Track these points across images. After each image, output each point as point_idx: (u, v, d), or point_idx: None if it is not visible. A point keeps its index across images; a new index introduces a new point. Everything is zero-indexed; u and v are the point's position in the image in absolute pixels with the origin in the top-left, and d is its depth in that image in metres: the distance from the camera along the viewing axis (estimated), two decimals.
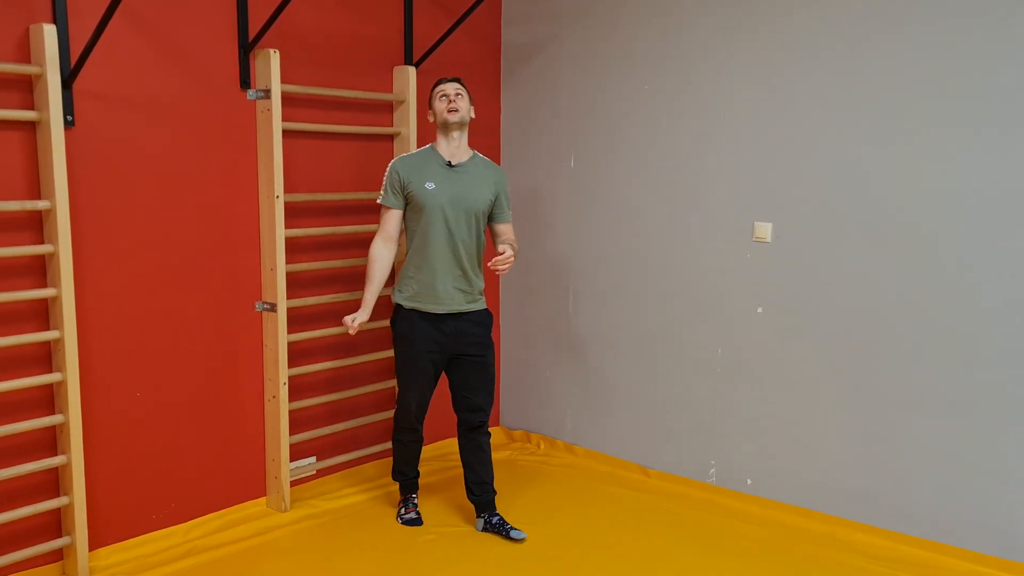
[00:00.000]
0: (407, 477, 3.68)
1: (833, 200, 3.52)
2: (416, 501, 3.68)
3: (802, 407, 3.68)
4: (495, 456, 4.37)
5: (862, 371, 3.51)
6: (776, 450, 3.77)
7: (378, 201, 3.45)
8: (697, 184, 3.91)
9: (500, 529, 3.50)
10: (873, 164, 3.42)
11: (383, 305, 4.00)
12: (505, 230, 3.53)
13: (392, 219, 3.42)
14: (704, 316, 3.94)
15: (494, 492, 3.59)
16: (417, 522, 3.58)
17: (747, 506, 3.80)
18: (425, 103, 4.00)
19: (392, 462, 3.73)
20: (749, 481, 3.87)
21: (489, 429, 3.60)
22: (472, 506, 3.65)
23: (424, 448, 4.14)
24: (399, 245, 3.52)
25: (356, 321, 3.40)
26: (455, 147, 3.42)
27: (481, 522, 3.57)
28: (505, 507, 3.75)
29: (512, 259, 3.30)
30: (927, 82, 3.27)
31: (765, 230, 3.70)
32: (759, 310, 3.76)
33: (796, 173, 3.61)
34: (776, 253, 3.69)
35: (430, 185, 3.35)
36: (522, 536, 3.46)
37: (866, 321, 3.48)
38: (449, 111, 3.37)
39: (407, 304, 3.42)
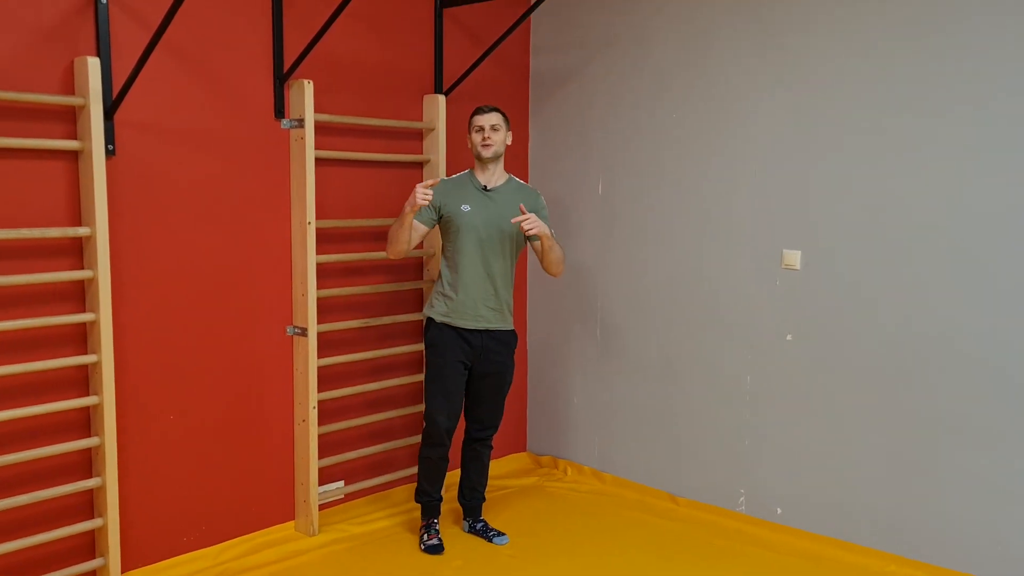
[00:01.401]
0: (431, 498, 3.69)
1: (862, 228, 3.51)
2: (438, 527, 3.68)
3: (833, 435, 3.65)
4: (521, 482, 4.41)
5: (894, 399, 3.48)
6: (807, 479, 3.74)
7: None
8: (726, 211, 3.91)
9: (484, 534, 3.73)
10: (903, 192, 3.41)
11: (415, 326, 4.05)
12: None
13: (416, 230, 3.51)
14: (733, 343, 3.93)
15: (483, 499, 3.83)
16: (439, 549, 3.58)
17: (777, 535, 3.76)
18: (455, 131, 4.08)
19: (416, 482, 3.75)
20: (779, 510, 3.83)
21: (492, 442, 3.78)
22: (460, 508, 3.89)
23: (448, 473, 4.17)
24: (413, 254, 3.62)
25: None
26: (491, 174, 3.55)
27: (467, 524, 3.81)
28: (532, 534, 3.75)
29: (534, 219, 3.33)
30: (958, 107, 3.26)
31: (794, 258, 3.70)
32: (788, 337, 3.75)
33: (825, 201, 3.61)
34: (805, 281, 3.68)
35: (466, 207, 3.48)
36: (505, 541, 3.66)
37: (898, 349, 3.45)
38: (483, 145, 3.49)
39: (439, 319, 3.53)
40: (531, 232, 3.36)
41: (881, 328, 3.49)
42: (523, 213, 3.36)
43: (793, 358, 3.74)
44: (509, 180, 3.60)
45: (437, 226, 3.58)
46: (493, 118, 3.51)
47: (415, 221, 3.49)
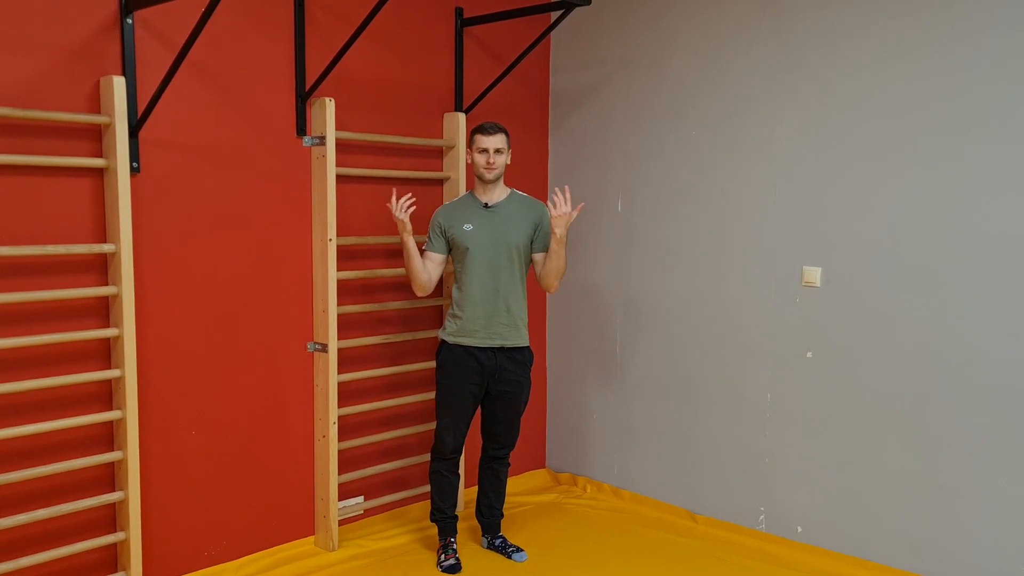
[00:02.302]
0: (445, 516, 3.68)
1: (883, 244, 3.50)
2: (455, 547, 3.66)
3: (854, 453, 3.62)
4: (540, 499, 4.40)
5: (916, 417, 3.45)
6: (828, 497, 3.71)
7: (423, 248, 3.57)
8: (746, 228, 3.91)
9: (503, 550, 3.73)
10: (924, 208, 3.39)
11: (434, 343, 4.06)
12: None
13: (431, 261, 3.55)
14: (753, 361, 3.91)
15: (501, 515, 3.82)
16: (456, 569, 3.56)
17: (798, 554, 3.73)
18: None
19: (430, 501, 3.74)
20: (800, 529, 3.80)
21: (509, 459, 3.78)
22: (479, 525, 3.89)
23: (465, 490, 4.18)
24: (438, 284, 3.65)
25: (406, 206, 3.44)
26: (491, 192, 3.55)
27: (486, 541, 3.81)
28: (550, 551, 3.74)
29: (567, 209, 3.37)
30: (980, 124, 3.25)
31: (814, 275, 3.68)
32: (809, 355, 3.73)
33: (845, 218, 3.60)
34: (826, 298, 3.67)
35: (468, 226, 3.48)
36: (524, 558, 3.67)
37: (919, 366, 3.43)
38: (487, 168, 3.48)
39: (451, 339, 3.53)
40: (556, 217, 3.36)
41: (902, 345, 3.47)
42: (565, 203, 3.37)
43: (813, 375, 3.72)
44: (511, 194, 3.59)
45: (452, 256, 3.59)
46: (498, 141, 3.46)
47: (429, 252, 3.54)
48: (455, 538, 3.69)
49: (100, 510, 3.11)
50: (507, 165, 3.55)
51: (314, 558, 3.62)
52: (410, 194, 3.50)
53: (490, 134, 3.47)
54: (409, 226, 3.46)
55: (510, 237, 3.50)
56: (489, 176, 3.48)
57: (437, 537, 3.74)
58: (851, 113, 3.55)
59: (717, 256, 4.01)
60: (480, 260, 3.47)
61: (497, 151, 3.46)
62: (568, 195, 3.40)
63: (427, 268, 3.53)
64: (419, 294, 3.59)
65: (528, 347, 3.62)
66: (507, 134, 3.52)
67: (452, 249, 3.55)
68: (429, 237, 3.58)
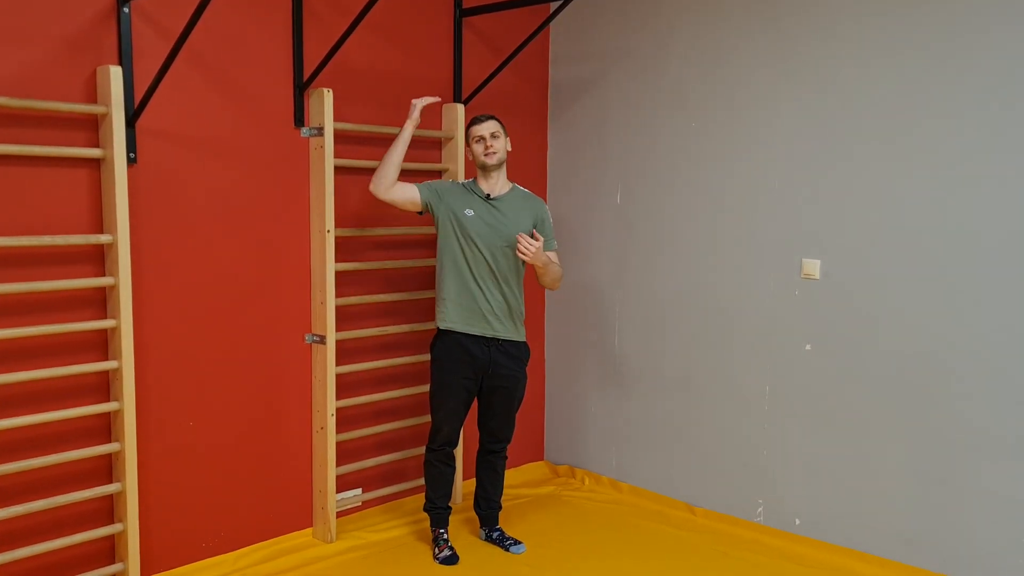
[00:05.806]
0: (434, 505, 3.67)
1: (883, 237, 3.49)
2: (447, 537, 3.66)
3: (852, 446, 3.62)
4: (538, 491, 4.40)
5: (915, 410, 3.44)
6: (826, 490, 3.71)
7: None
8: (745, 220, 3.90)
9: (500, 542, 3.73)
10: (923, 200, 3.39)
11: (432, 334, 4.05)
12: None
13: (410, 189, 3.48)
14: (752, 353, 3.91)
15: (499, 507, 3.82)
16: (453, 559, 3.56)
17: (796, 547, 3.74)
18: None
19: (424, 491, 3.73)
20: (798, 521, 3.80)
21: (506, 452, 3.78)
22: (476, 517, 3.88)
23: (464, 483, 4.17)
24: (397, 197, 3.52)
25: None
26: (494, 182, 3.54)
27: (484, 533, 3.81)
28: (549, 543, 3.74)
29: (534, 251, 3.32)
30: (981, 112, 3.24)
31: (813, 267, 3.68)
32: (807, 347, 3.73)
33: (845, 210, 3.59)
34: (825, 290, 3.66)
35: (469, 212, 3.47)
36: (521, 550, 3.67)
37: (918, 360, 3.43)
38: (487, 155, 3.47)
39: (448, 327, 3.52)
40: (523, 257, 3.35)
41: (901, 338, 3.46)
42: (534, 238, 3.34)
43: (812, 368, 3.72)
44: (513, 188, 3.58)
45: (438, 236, 3.55)
46: (491, 126, 3.49)
47: (416, 185, 3.49)
48: (446, 529, 3.68)
49: (98, 501, 3.10)
50: (508, 153, 3.55)
51: (312, 549, 3.62)
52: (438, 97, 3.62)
53: (482, 121, 3.50)
54: (418, 119, 3.51)
55: (509, 230, 3.48)
56: (491, 161, 3.47)
57: (429, 528, 3.73)
58: (850, 104, 3.54)
59: (716, 248, 4.01)
60: (477, 251, 3.45)
61: (493, 135, 3.47)
62: (526, 240, 3.33)
63: (398, 182, 3.46)
64: (371, 188, 3.46)
65: (524, 343, 3.61)
66: (500, 122, 3.53)
67: (447, 229, 3.48)
68: (427, 184, 3.53)
